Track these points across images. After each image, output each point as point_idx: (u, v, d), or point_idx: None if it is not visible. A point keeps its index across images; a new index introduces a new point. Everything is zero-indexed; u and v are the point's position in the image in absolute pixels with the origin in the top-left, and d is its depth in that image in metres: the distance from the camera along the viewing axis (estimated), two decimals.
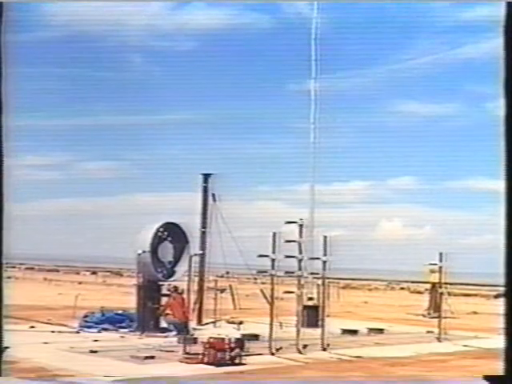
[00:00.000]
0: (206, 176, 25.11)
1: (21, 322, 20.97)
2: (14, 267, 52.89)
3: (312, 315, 21.76)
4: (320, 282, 19.69)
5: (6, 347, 11.98)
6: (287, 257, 18.07)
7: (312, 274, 20.44)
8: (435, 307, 27.25)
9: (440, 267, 22.29)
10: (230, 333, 18.84)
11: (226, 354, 15.54)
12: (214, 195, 25.03)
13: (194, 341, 17.80)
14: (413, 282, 56.44)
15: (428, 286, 31.85)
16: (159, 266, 21.98)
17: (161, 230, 22.09)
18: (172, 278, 22.29)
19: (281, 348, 17.40)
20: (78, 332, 20.72)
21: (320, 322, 19.41)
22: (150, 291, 21.57)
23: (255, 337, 19.06)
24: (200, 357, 15.62)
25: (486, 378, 11.61)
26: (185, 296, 22.11)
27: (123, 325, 21.49)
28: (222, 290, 27.34)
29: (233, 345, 15.80)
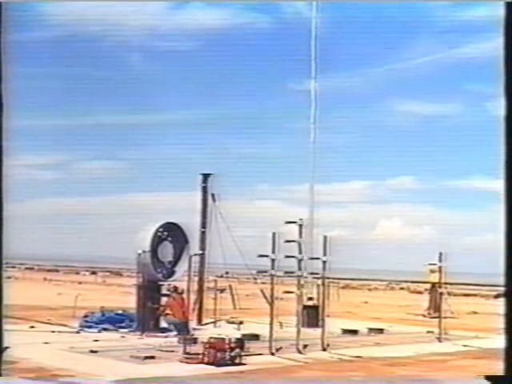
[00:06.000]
0: (206, 176, 25.09)
1: (21, 322, 20.95)
2: (13, 267, 52.92)
3: (312, 315, 21.76)
4: (320, 281, 19.67)
5: (6, 347, 11.98)
6: (287, 257, 18.05)
7: (312, 273, 20.43)
8: (435, 307, 27.24)
9: (440, 267, 22.28)
10: (230, 333, 18.82)
11: (226, 353, 15.52)
12: (213, 195, 25.01)
13: (194, 341, 17.78)
14: (413, 282, 56.47)
15: (428, 285, 31.86)
16: (159, 266, 21.97)
17: (161, 229, 22.09)
18: (172, 278, 22.28)
19: (281, 348, 17.39)
20: (78, 332, 20.70)
21: (320, 322, 19.40)
22: (149, 291, 21.55)
23: (255, 337, 19.05)
24: (200, 357, 15.60)
25: (486, 378, 11.62)
26: (185, 296, 22.10)
27: (123, 325, 21.47)
28: (222, 290, 27.34)
29: (233, 345, 15.78)
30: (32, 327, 21.24)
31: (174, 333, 20.34)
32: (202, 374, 14.51)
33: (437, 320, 22.50)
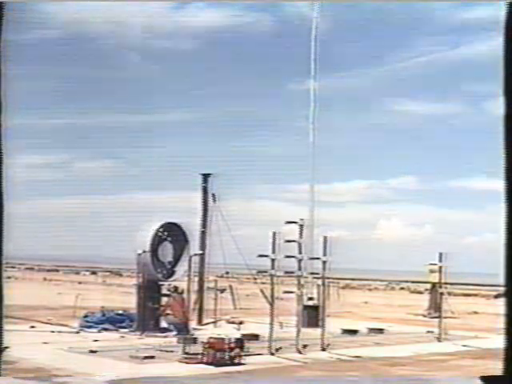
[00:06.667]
0: (206, 176, 25.09)
1: (21, 322, 20.96)
2: (13, 267, 52.98)
3: (312, 315, 21.76)
4: (320, 281, 19.67)
5: (6, 347, 11.98)
6: (287, 257, 18.05)
7: (312, 273, 20.44)
8: (435, 307, 27.25)
9: (440, 267, 22.29)
10: (230, 333, 18.82)
11: (225, 353, 15.52)
12: (213, 195, 25.01)
13: (194, 341, 17.80)
14: (413, 282, 56.53)
15: (428, 285, 31.87)
16: (159, 266, 21.97)
17: (161, 230, 22.08)
18: (172, 278, 22.28)
19: (280, 348, 17.39)
20: (78, 332, 20.70)
21: (320, 322, 19.40)
22: (150, 291, 21.55)
23: (255, 337, 19.05)
24: (199, 357, 15.61)
25: (486, 378, 11.60)
26: (185, 296, 22.10)
27: (123, 325, 21.48)
28: (222, 290, 27.36)
29: (232, 345, 15.78)
30: (32, 327, 21.24)
31: (174, 333, 20.34)
32: (202, 374, 14.51)
33: (437, 320, 22.52)
